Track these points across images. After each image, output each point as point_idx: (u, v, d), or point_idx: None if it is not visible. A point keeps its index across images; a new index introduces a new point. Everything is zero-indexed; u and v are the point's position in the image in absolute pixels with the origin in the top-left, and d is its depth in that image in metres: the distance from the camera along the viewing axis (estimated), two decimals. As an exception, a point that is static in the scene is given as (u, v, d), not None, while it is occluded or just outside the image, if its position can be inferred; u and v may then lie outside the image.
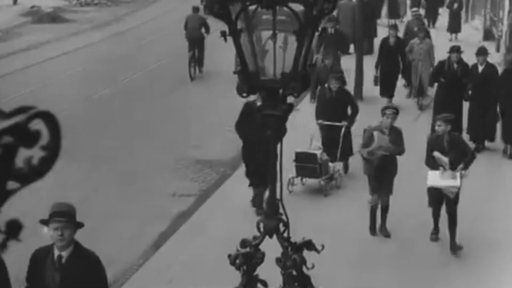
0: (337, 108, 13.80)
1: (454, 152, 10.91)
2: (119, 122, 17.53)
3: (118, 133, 16.70)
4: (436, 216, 11.36)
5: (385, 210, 11.62)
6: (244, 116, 11.94)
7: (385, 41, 18.91)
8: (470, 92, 15.59)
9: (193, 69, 21.33)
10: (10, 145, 1.66)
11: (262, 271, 4.59)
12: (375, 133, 11.35)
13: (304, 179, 13.25)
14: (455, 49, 15.74)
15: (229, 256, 4.56)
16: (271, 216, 4.49)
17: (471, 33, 27.53)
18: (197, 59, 21.35)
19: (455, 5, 27.03)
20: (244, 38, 4.23)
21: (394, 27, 19.53)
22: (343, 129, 13.71)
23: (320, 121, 13.96)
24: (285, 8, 4.07)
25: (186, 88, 20.61)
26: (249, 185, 12.39)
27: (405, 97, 19.04)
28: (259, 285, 4.57)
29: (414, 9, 24.96)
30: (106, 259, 11.09)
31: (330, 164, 13.34)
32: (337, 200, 13.06)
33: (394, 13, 28.29)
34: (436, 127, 11.26)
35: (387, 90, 18.52)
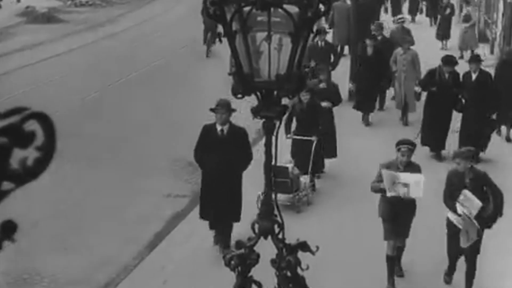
0: (308, 120, 13.05)
1: (490, 201, 9.46)
2: (113, 123, 17.50)
3: (112, 134, 16.68)
4: (452, 253, 9.98)
5: (401, 249, 10.40)
6: (202, 141, 10.96)
7: (362, 51, 17.40)
8: (463, 101, 14.85)
9: (208, 49, 24.36)
10: (5, 146, 1.66)
11: (256, 272, 4.58)
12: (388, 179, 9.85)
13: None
14: (452, 62, 14.86)
15: (224, 257, 4.55)
16: (266, 217, 4.49)
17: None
18: (212, 41, 23.79)
19: (447, 11, 26.57)
20: (239, 40, 4.22)
21: (372, 36, 17.84)
22: (314, 143, 13.03)
23: (289, 135, 13.11)
24: (279, 10, 4.07)
25: (181, 89, 20.59)
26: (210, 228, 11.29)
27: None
28: (253, 286, 4.57)
29: (399, 16, 24.43)
30: (101, 259, 11.17)
31: (301, 179, 12.80)
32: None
33: (397, 12, 28.24)
34: (456, 165, 9.90)
35: (365, 104, 17.26)
